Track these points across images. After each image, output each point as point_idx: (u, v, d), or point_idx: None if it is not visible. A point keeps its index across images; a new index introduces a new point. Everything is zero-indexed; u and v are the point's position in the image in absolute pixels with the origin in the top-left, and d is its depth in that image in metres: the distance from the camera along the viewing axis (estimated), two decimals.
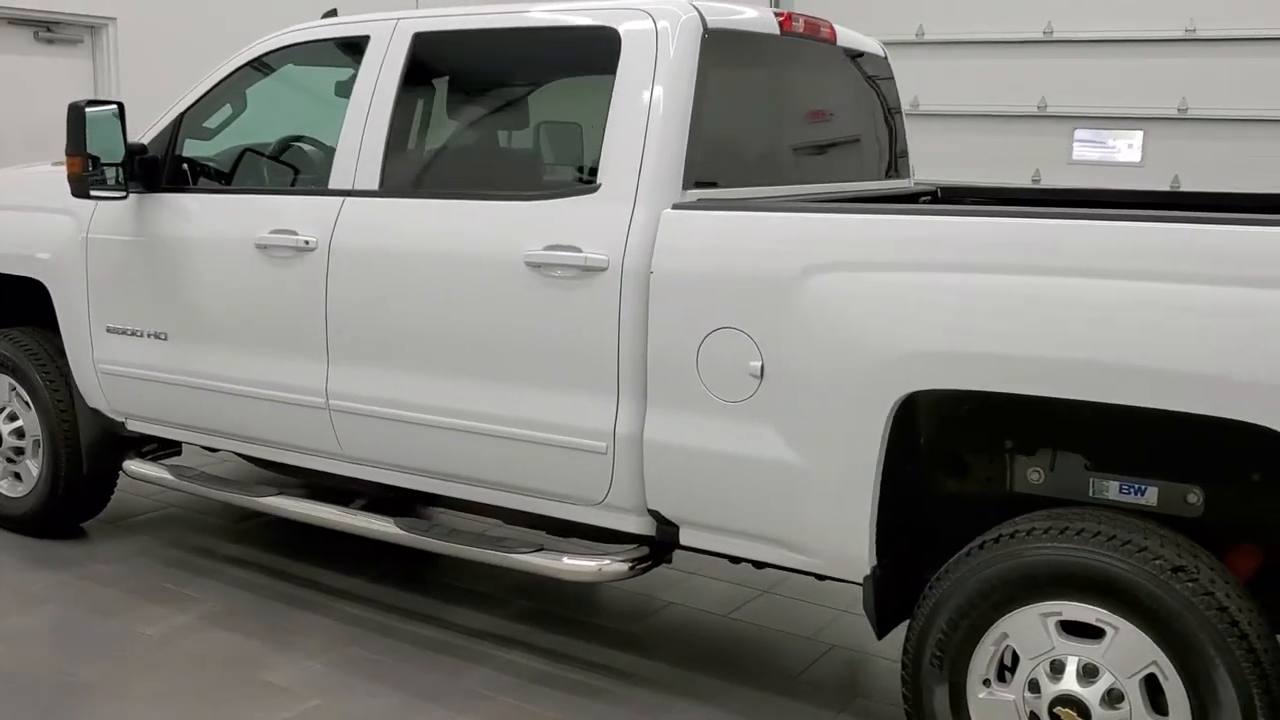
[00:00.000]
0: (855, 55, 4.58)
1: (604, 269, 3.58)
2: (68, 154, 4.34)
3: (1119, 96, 10.82)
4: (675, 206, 3.55)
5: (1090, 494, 3.33)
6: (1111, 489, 3.32)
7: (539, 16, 3.94)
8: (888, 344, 3.13)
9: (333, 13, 4.78)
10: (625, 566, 3.82)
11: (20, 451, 5.23)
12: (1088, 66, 10.78)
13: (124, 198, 4.52)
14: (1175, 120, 10.77)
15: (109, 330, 4.79)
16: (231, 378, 4.44)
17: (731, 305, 3.38)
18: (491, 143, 4.21)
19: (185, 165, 4.67)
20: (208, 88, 4.63)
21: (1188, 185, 10.20)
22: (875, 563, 3.30)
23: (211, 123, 4.76)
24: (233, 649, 4.26)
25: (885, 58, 4.79)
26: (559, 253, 3.66)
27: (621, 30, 3.72)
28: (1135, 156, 11.19)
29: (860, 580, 3.36)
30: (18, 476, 5.27)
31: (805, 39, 4.20)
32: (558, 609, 4.74)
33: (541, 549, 3.91)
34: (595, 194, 3.66)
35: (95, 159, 4.34)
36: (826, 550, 3.37)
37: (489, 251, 3.80)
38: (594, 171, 3.73)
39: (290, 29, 4.52)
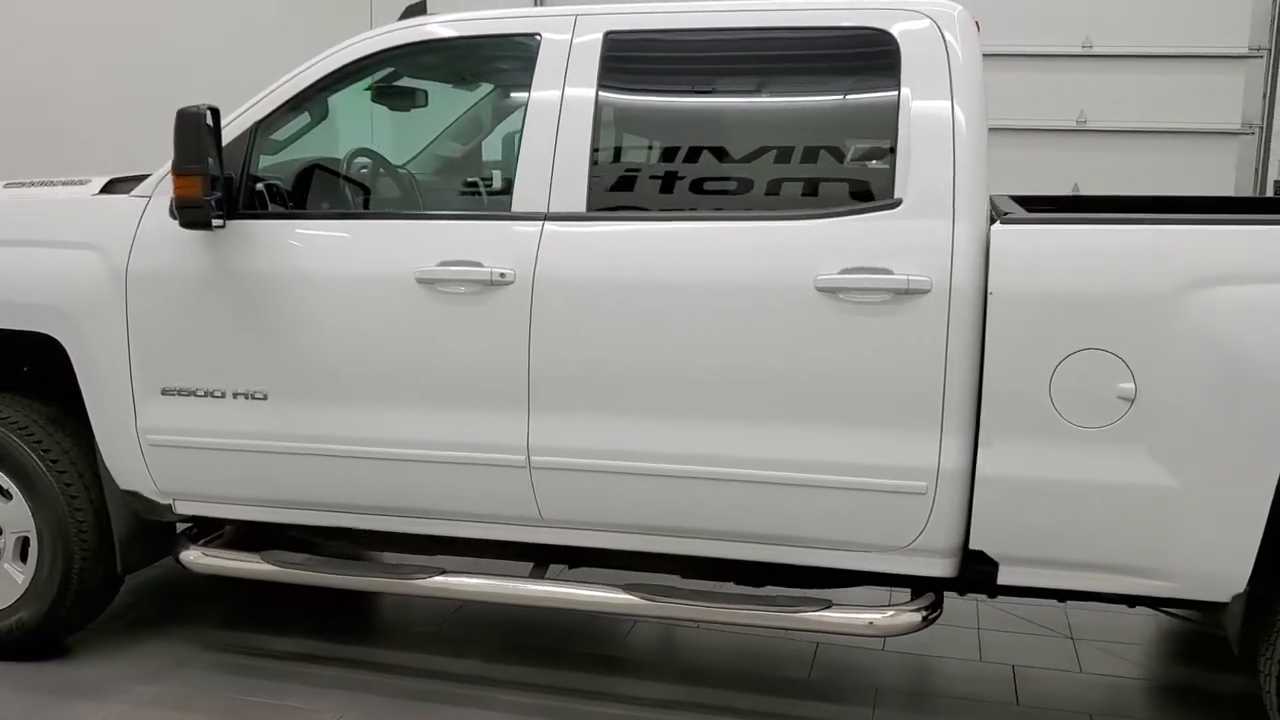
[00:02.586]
0: None
1: (926, 292, 3.37)
2: (180, 172, 3.55)
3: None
4: (1004, 222, 3.40)
5: None
6: None
7: (780, 16, 3.66)
8: None
9: (420, 8, 4.21)
10: (919, 617, 3.64)
11: None
12: None
13: (223, 226, 3.76)
14: None
15: (164, 393, 3.97)
16: (371, 440, 3.81)
17: (1096, 325, 3.29)
18: (736, 156, 3.82)
19: (262, 186, 3.95)
20: (290, 95, 3.94)
21: None
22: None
23: (282, 135, 4.06)
24: None
25: None
26: (864, 276, 3.41)
27: (897, 32, 3.53)
28: None
29: (1228, 600, 3.36)
30: None
31: None
32: (722, 664, 4.43)
33: (831, 605, 3.63)
34: (897, 211, 3.45)
35: (217, 179, 3.58)
36: (1198, 573, 3.35)
37: (767, 277, 3.49)
38: (874, 186, 3.51)
39: (400, 26, 3.93)
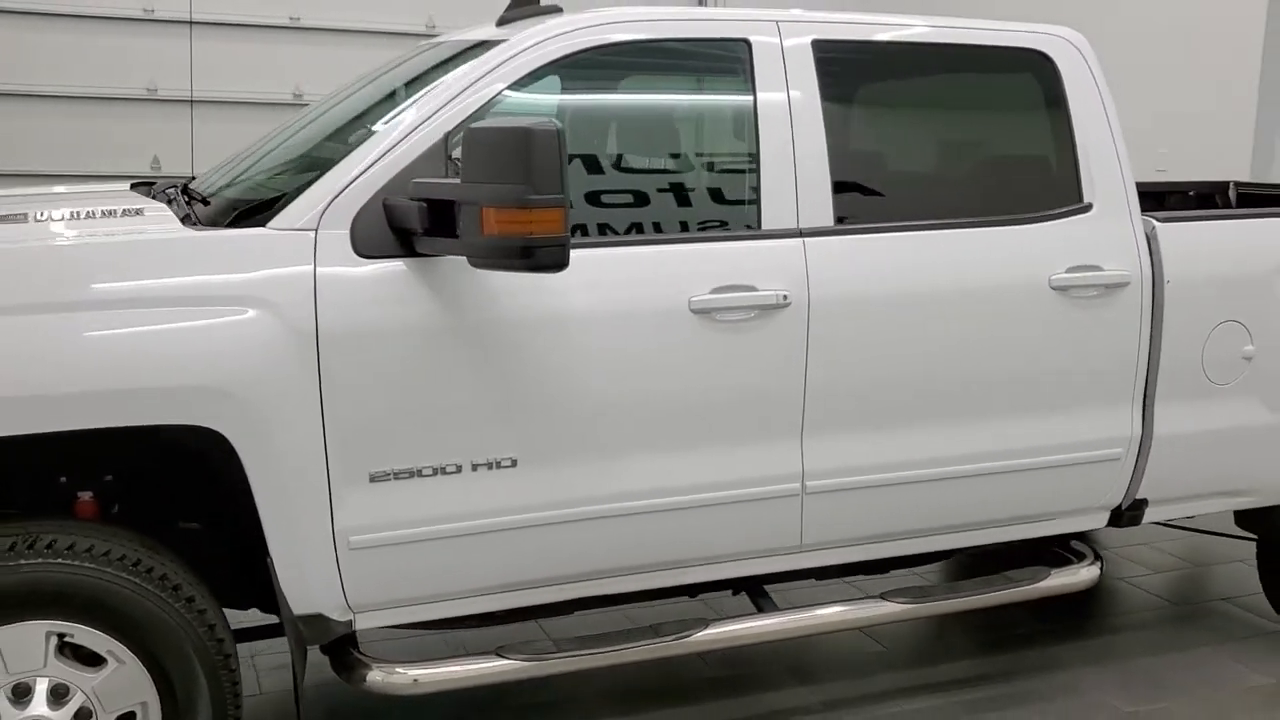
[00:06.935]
0: None
1: (1127, 284, 4.02)
2: (540, 205, 2.94)
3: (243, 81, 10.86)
4: (1162, 221, 4.14)
5: None
6: None
7: (957, 34, 3.99)
8: None
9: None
10: (1097, 569, 4.29)
11: None
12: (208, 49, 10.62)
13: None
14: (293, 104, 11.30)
15: (375, 480, 3.23)
16: (637, 494, 3.51)
17: (1229, 302, 4.19)
18: (943, 166, 3.96)
19: None
20: (480, 105, 3.41)
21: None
22: None
23: None
24: None
25: None
26: (1086, 273, 3.96)
27: (1053, 53, 4.09)
28: None
29: None
30: None
31: None
32: (841, 660, 4.60)
33: (1049, 574, 4.15)
34: (1091, 214, 4.03)
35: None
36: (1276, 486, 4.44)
37: (1014, 280, 3.88)
38: (1062, 191, 4.05)
39: (569, 26, 3.56)
